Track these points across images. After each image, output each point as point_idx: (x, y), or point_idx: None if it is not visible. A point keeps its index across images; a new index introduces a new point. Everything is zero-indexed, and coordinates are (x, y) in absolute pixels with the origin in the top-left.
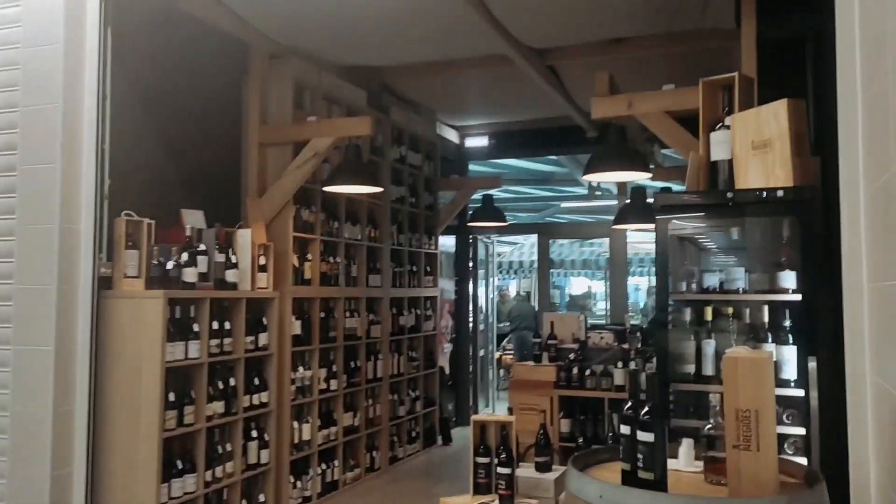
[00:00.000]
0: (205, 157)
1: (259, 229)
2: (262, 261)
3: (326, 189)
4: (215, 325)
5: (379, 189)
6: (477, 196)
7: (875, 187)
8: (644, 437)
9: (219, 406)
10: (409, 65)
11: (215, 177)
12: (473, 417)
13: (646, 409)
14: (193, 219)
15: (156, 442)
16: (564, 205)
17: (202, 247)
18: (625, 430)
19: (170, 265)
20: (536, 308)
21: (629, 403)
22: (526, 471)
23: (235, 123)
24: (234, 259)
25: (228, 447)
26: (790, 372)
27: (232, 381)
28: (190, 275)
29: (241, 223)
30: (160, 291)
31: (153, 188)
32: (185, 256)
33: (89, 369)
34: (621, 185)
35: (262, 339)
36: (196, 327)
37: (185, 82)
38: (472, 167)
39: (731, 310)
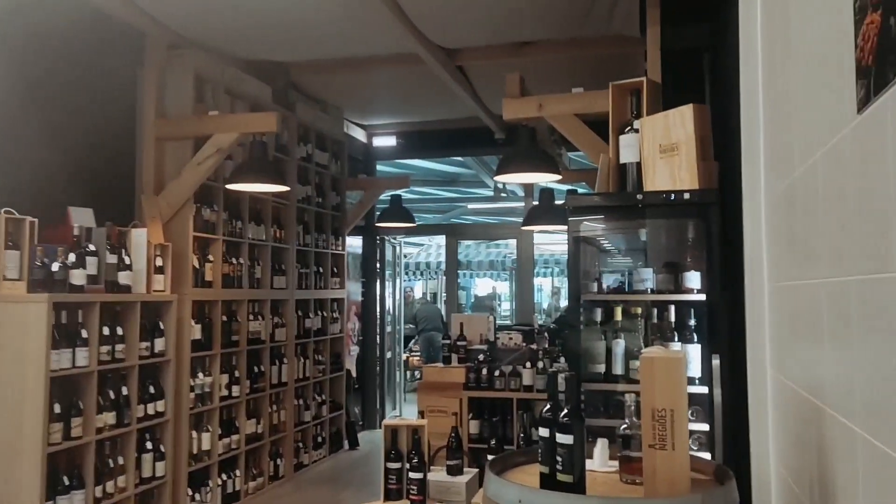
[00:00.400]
0: (95, 152)
1: (155, 228)
2: (159, 262)
3: (229, 187)
4: (106, 331)
5: (285, 188)
6: (384, 196)
7: (776, 191)
8: (563, 439)
9: (110, 417)
10: (316, 61)
11: (107, 172)
12: (385, 422)
13: (565, 411)
14: (82, 217)
15: (39, 457)
16: (471, 206)
17: (91, 247)
18: (543, 432)
19: (55, 267)
20: (443, 310)
21: (547, 406)
22: (438, 475)
23: (130, 116)
24: (127, 260)
25: (121, 461)
26: (695, 370)
27: (125, 391)
28: (78, 277)
29: (136, 222)
30: (44, 295)
31: (37, 184)
32: (72, 257)
33: None
34: (528, 187)
35: (159, 344)
36: (85, 333)
37: (74, 72)
38: (379, 167)
39: (639, 309)
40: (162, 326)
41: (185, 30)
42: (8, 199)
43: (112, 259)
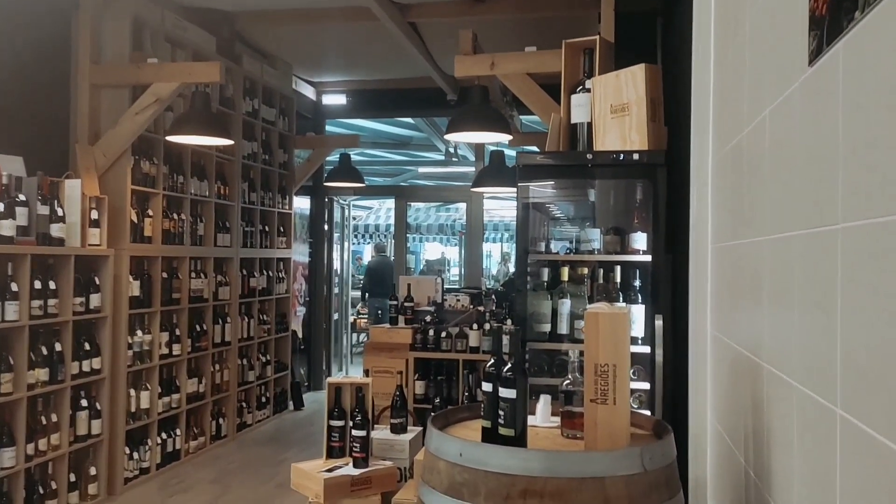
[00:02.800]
0: (26, 98)
1: (90, 180)
2: (94, 215)
3: (170, 139)
4: (38, 285)
5: (229, 142)
6: (333, 157)
7: (724, 151)
8: (506, 393)
9: (42, 373)
10: (264, 12)
11: (39, 120)
12: (328, 380)
13: (508, 366)
14: (11, 165)
15: None
16: (422, 170)
17: (22, 197)
18: (486, 387)
19: None
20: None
21: (491, 361)
22: (381, 433)
23: (64, 60)
24: (60, 212)
25: (54, 418)
26: (638, 330)
27: (58, 347)
28: (7, 228)
29: (70, 173)
30: None
31: None
32: (0, 207)
33: None
34: (479, 151)
35: (94, 300)
36: (14, 286)
37: (3, 13)
38: (329, 128)
39: (585, 270)
40: (98, 282)
41: None
42: None
43: (44, 210)
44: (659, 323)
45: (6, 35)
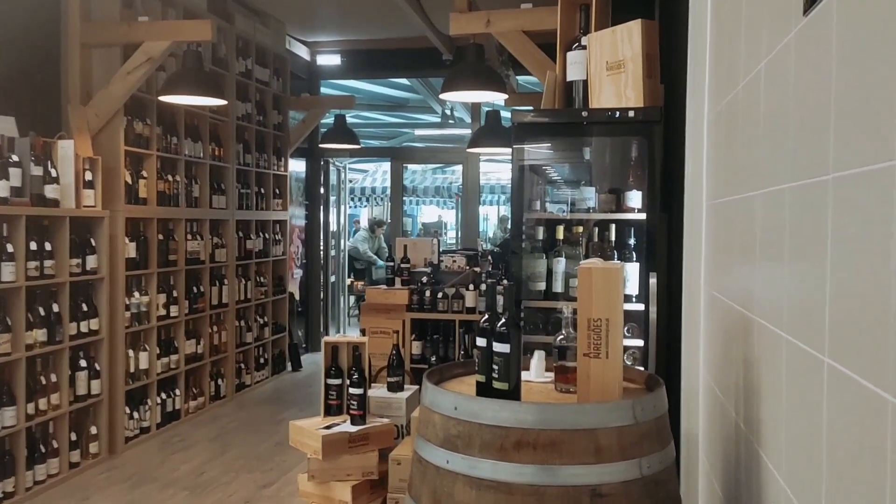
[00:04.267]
0: (16, 57)
1: (84, 141)
2: (88, 176)
3: (162, 99)
4: (34, 246)
5: (222, 102)
6: (328, 119)
7: (720, 107)
8: (500, 348)
9: (40, 334)
10: None
11: (30, 79)
12: (325, 339)
13: (502, 321)
14: (2, 125)
15: None
16: (418, 132)
17: (15, 157)
18: (481, 342)
19: None
20: (378, 238)
21: (486, 316)
22: (378, 391)
23: (54, 19)
24: (54, 173)
25: (53, 378)
26: (632, 288)
27: (55, 308)
28: (0, 189)
29: (62, 133)
30: None
31: None
32: None
33: None
34: (475, 112)
35: (91, 261)
36: (10, 248)
37: None
38: (323, 90)
39: (580, 229)
40: (94, 243)
41: None
42: None
43: (37, 171)
44: (653, 280)
45: None
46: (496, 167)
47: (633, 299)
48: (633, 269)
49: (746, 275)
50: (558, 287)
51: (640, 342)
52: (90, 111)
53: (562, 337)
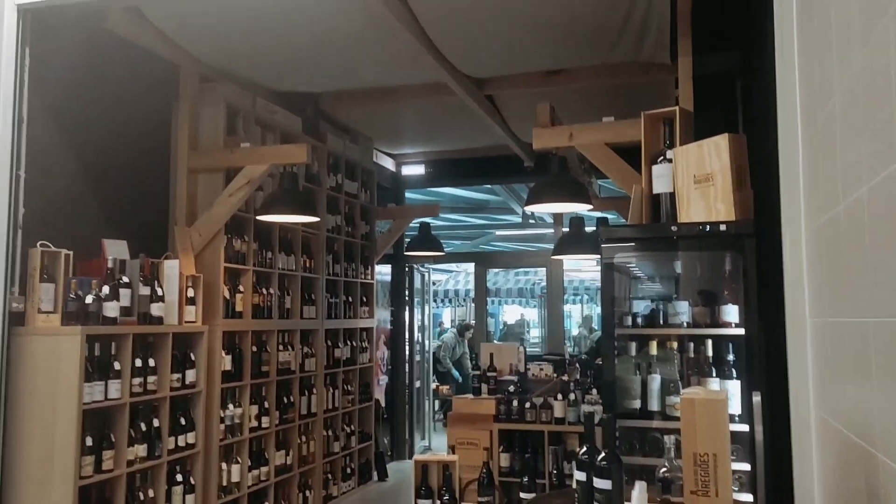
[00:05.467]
0: (130, 184)
1: (188, 259)
2: (191, 293)
3: (260, 218)
4: (138, 363)
5: (316, 219)
6: (413, 224)
7: (818, 223)
8: (601, 484)
9: (141, 449)
10: (345, 91)
11: (141, 204)
12: (415, 458)
13: (602, 455)
14: (116, 249)
15: (71, 490)
16: (500, 233)
17: (125, 279)
18: (580, 476)
19: (89, 299)
20: (463, 342)
21: (584, 448)
22: None
23: (164, 148)
24: (160, 292)
25: (151, 494)
26: (735, 407)
27: (156, 423)
28: (111, 309)
29: (168, 253)
30: (77, 328)
31: (73, 216)
32: (105, 289)
33: None
34: (557, 214)
35: (190, 375)
36: (117, 365)
37: (109, 104)
38: (408, 194)
39: (675, 343)
40: (193, 358)
41: (218, 62)
42: (44, 232)
43: (145, 291)
44: (757, 399)
45: (111, 127)
46: (579, 265)
47: (736, 419)
48: (733, 387)
49: (863, 404)
50: (654, 405)
51: (746, 466)
52: (194, 231)
53: (665, 469)
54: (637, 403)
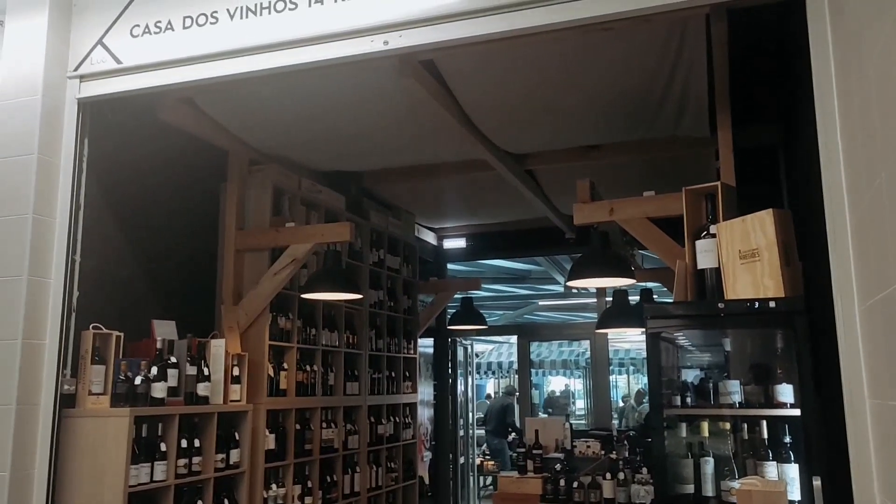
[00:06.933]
0: (179, 265)
1: (234, 338)
2: (236, 372)
3: (305, 296)
4: (184, 443)
5: (359, 296)
6: (456, 296)
7: (872, 302)
8: None
9: None
10: (388, 169)
11: (189, 284)
12: None
13: None
14: (165, 329)
15: None
16: (542, 303)
17: (173, 359)
18: None
19: (138, 380)
20: (517, 409)
21: None
22: None
23: (212, 229)
24: (206, 371)
25: None
26: (794, 492)
27: None
28: (159, 390)
29: (215, 332)
30: (126, 409)
31: (124, 297)
32: (154, 370)
33: (46, 498)
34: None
35: (234, 455)
36: (163, 446)
37: (161, 189)
38: (450, 266)
39: (727, 424)
40: (237, 437)
41: (266, 146)
42: (96, 313)
43: (192, 371)
44: (817, 484)
45: (165, 211)
46: (624, 336)
47: None
48: (792, 471)
49: None
50: (708, 490)
51: None
52: (240, 310)
53: None
54: (690, 488)
